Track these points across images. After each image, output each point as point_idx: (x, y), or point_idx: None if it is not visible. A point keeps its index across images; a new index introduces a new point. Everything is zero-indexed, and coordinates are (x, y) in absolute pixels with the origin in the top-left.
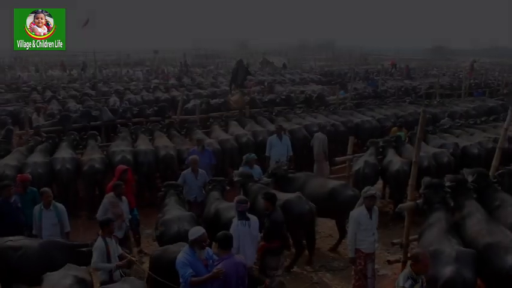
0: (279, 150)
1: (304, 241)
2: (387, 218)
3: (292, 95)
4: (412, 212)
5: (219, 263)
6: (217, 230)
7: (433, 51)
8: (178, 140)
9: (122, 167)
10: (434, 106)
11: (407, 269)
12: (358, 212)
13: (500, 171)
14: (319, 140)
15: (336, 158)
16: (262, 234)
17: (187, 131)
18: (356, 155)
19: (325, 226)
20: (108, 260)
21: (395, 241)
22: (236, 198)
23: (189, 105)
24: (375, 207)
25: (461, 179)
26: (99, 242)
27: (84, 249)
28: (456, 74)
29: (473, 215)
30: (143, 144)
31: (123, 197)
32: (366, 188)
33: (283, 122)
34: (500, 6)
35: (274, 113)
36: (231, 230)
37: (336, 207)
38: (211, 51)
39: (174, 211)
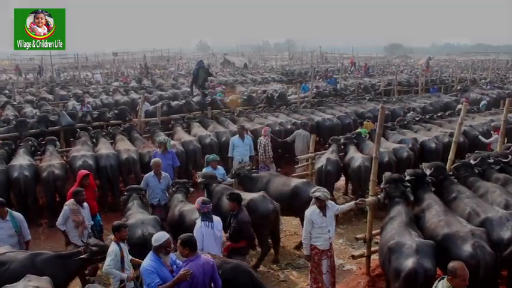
0: (241, 150)
1: (269, 240)
2: (350, 213)
3: (254, 94)
4: (374, 206)
5: (186, 265)
6: (181, 232)
7: (390, 49)
8: (140, 142)
9: (82, 172)
10: (393, 103)
11: (445, 283)
12: (310, 210)
13: (455, 165)
14: (301, 137)
15: (298, 157)
16: (227, 235)
17: (149, 133)
18: (318, 152)
19: (290, 224)
20: (122, 265)
21: (358, 236)
22: (199, 200)
23: (150, 107)
24: (331, 204)
25: (420, 173)
26: (114, 246)
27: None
28: (413, 71)
29: (432, 207)
30: (104, 148)
31: (85, 203)
32: (315, 188)
33: (246, 122)
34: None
35: (236, 113)
36: (195, 231)
37: (299, 205)
38: (172, 52)
39: (137, 215)
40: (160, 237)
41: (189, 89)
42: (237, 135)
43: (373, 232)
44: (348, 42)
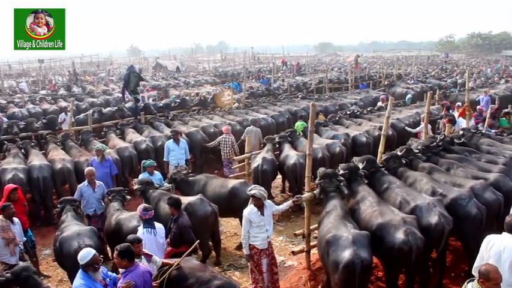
0: (177, 154)
1: (209, 242)
2: (289, 210)
3: (187, 97)
4: (310, 202)
5: (125, 276)
6: (119, 241)
7: (320, 48)
8: (76, 151)
9: (9, 186)
10: (325, 100)
11: (475, 285)
12: (248, 210)
13: (385, 157)
14: (252, 133)
15: (234, 158)
16: (168, 240)
17: (82, 141)
18: (253, 152)
19: (230, 225)
20: None
21: (297, 232)
22: (141, 207)
23: (81, 115)
24: (269, 203)
25: (353, 166)
26: None
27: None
28: (343, 69)
29: (366, 199)
30: (37, 159)
31: (16, 219)
32: (251, 187)
33: (180, 126)
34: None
35: (170, 117)
36: None
37: (237, 206)
38: (102, 58)
39: (72, 227)
40: (86, 255)
41: (120, 95)
42: (172, 140)
43: (311, 227)
44: (279, 42)
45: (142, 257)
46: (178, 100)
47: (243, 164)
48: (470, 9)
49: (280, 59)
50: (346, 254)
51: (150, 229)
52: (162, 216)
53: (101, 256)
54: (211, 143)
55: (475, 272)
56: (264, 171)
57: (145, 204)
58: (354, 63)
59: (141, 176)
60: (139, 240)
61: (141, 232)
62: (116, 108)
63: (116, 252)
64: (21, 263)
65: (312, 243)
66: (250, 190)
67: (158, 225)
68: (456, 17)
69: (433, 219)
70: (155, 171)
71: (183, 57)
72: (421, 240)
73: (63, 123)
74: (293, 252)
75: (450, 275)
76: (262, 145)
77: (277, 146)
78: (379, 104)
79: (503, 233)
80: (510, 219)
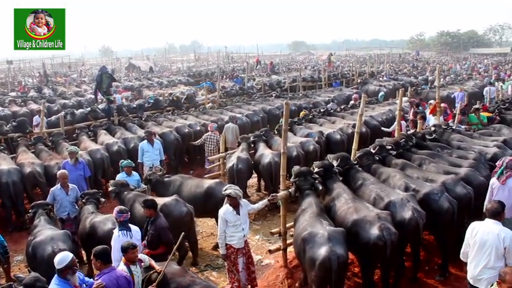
0: (151, 155)
1: (186, 243)
2: (265, 209)
3: (161, 98)
4: (286, 200)
5: (99, 278)
6: (94, 244)
7: (293, 47)
8: (46, 154)
9: None
10: (299, 98)
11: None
12: (224, 209)
13: (359, 154)
14: (230, 130)
15: (209, 157)
16: (145, 242)
17: (53, 144)
18: (228, 152)
19: (206, 225)
20: None
21: (273, 230)
22: (116, 209)
23: (52, 117)
24: (244, 202)
25: (327, 164)
26: (122, 268)
27: None
28: (316, 67)
29: (341, 195)
30: (5, 163)
31: None
32: (226, 187)
33: (154, 126)
34: (351, 5)
35: (143, 118)
36: (113, 242)
37: (213, 206)
38: (74, 58)
39: (45, 231)
40: (64, 258)
41: (93, 96)
42: (146, 141)
43: (288, 225)
44: (253, 41)
45: (137, 264)
46: (152, 101)
47: (218, 163)
48: (439, 8)
49: (254, 58)
50: (322, 251)
51: (125, 231)
52: (138, 218)
53: (76, 260)
54: (197, 141)
55: (462, 256)
56: (239, 171)
57: (121, 206)
58: (327, 62)
59: (118, 177)
60: (134, 246)
61: (117, 235)
62: (88, 109)
63: (92, 253)
64: (32, 273)
65: (288, 241)
66: (225, 190)
67: (134, 228)
68: (426, 15)
69: (407, 214)
70: (133, 172)
71: (157, 58)
72: (395, 235)
73: (38, 126)
74: (270, 251)
75: (424, 269)
76: (237, 143)
77: (252, 145)
78: (351, 102)
79: (486, 219)
80: (491, 205)
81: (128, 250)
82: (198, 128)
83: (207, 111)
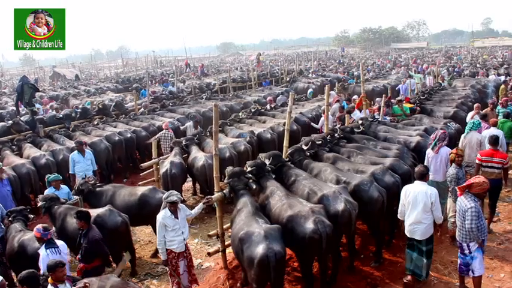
0: (83, 166)
1: (123, 253)
2: (202, 212)
3: (89, 106)
4: (221, 202)
5: None
6: (25, 264)
7: (222, 48)
8: None
9: None
10: (230, 99)
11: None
12: (162, 214)
13: (290, 151)
14: (189, 127)
15: (142, 164)
16: (79, 256)
17: None
18: (161, 157)
19: (143, 233)
20: None
21: (211, 233)
22: (39, 228)
23: None
24: (182, 206)
25: (260, 163)
26: None
27: None
28: (245, 68)
29: (275, 193)
30: None
31: None
32: (167, 194)
33: (83, 136)
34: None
35: (71, 129)
36: (41, 262)
37: (149, 213)
38: None
39: None
40: None
41: (15, 108)
42: (77, 151)
43: (225, 227)
44: (181, 44)
45: (66, 282)
46: (79, 110)
47: (152, 169)
48: (362, 5)
49: (183, 61)
50: (260, 249)
51: (53, 249)
52: (70, 232)
53: (6, 283)
54: (151, 139)
55: (399, 215)
56: (173, 176)
57: (43, 225)
58: (256, 62)
59: (46, 192)
60: (62, 264)
61: (45, 254)
62: (11, 122)
63: (17, 279)
64: None
65: (226, 243)
66: (168, 197)
67: (59, 243)
68: (350, 13)
69: (340, 206)
70: (62, 185)
71: (82, 65)
72: (330, 227)
73: None
74: (209, 254)
75: (360, 257)
76: (170, 148)
77: (185, 148)
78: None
79: (415, 181)
80: (417, 169)
81: (56, 269)
82: (129, 135)
83: (138, 117)
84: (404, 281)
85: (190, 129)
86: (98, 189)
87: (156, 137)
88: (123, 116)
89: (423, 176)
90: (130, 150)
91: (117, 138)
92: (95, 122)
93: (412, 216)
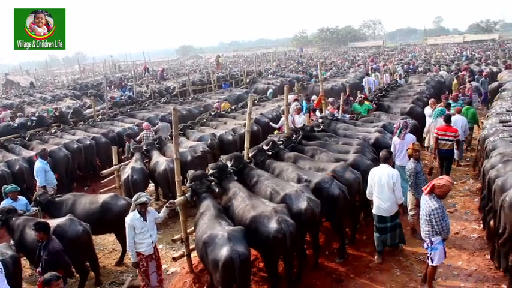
0: (51, 174)
1: (86, 263)
2: (165, 217)
3: (45, 114)
4: (184, 206)
5: None
6: None
7: (181, 51)
8: None
9: None
10: (190, 102)
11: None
12: (131, 216)
13: (252, 152)
14: (165, 128)
15: (102, 172)
16: (40, 269)
17: None
18: (122, 164)
19: (107, 241)
20: None
21: (175, 238)
22: None
23: None
24: (151, 209)
25: (221, 165)
26: None
27: None
28: (205, 70)
29: (237, 195)
30: None
31: None
32: (136, 196)
33: (39, 145)
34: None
35: (27, 138)
36: None
37: (111, 220)
38: None
39: None
40: None
41: None
42: (45, 160)
43: (189, 231)
44: (140, 48)
45: None
46: (34, 118)
47: (113, 176)
48: (319, 5)
49: (142, 66)
50: (224, 252)
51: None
52: (30, 244)
53: None
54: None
55: (368, 196)
56: (135, 181)
57: None
58: (216, 64)
59: (3, 204)
60: (57, 277)
61: None
62: None
63: None
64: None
65: (191, 247)
66: (137, 199)
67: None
68: (307, 13)
69: (303, 204)
70: (19, 197)
71: (37, 72)
72: (293, 226)
73: None
74: (174, 258)
75: (324, 254)
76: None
77: (146, 153)
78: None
79: (380, 164)
80: (381, 153)
81: (51, 282)
82: (88, 142)
83: (97, 123)
84: (376, 261)
85: (163, 130)
86: (57, 199)
87: (139, 137)
88: (82, 123)
89: (387, 159)
90: (90, 157)
91: (75, 145)
92: (52, 130)
93: (379, 196)
